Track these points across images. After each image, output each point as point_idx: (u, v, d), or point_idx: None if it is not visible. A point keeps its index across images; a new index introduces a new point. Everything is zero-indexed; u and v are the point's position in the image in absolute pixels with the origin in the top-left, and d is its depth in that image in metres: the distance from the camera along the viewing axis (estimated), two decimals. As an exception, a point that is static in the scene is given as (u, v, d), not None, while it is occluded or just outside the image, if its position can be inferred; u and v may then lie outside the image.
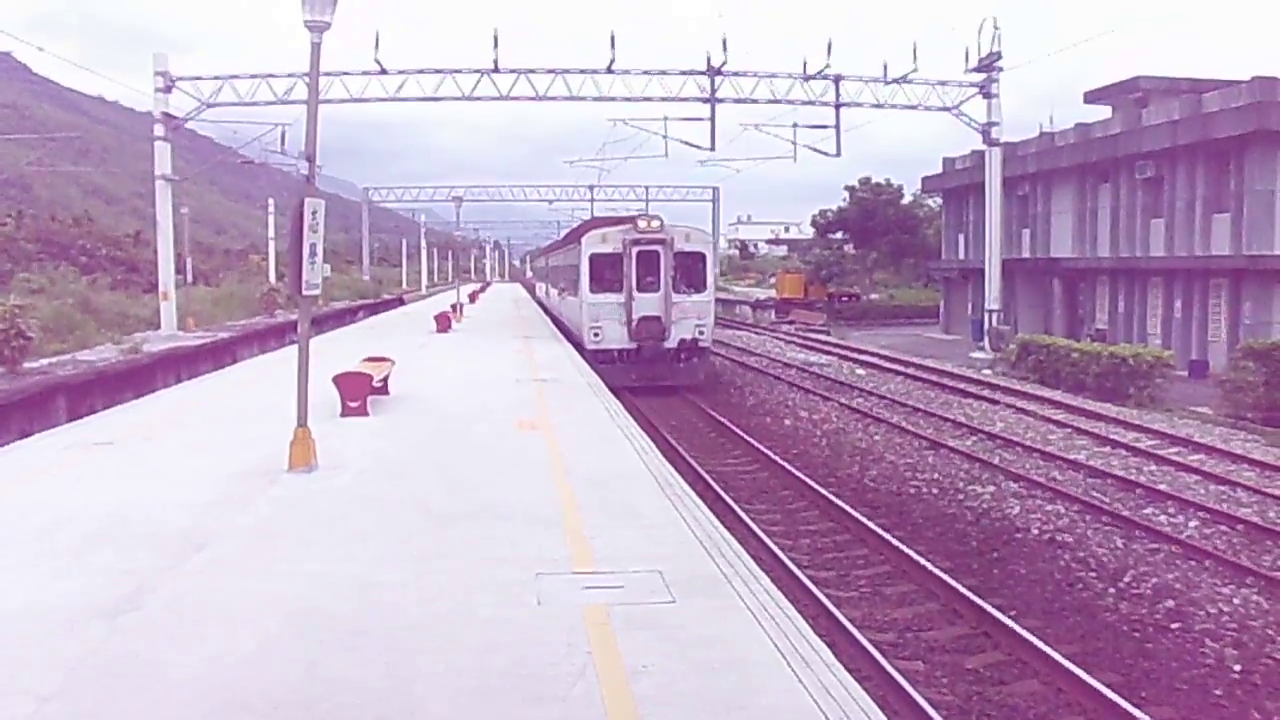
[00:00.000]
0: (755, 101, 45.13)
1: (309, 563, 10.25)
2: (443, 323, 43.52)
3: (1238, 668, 12.07)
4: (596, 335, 33.22)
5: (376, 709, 7.01)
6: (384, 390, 21.74)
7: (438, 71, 44.64)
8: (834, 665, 7.72)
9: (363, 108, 46.22)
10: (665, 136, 48.78)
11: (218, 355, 39.44)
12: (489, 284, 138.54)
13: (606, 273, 33.68)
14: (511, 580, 9.62)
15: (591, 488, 13.53)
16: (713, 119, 44.75)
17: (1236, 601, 13.94)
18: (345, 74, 43.79)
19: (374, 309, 74.04)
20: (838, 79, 44.45)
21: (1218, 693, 11.52)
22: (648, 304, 33.25)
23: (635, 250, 33.22)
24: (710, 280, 35.19)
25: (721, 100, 44.48)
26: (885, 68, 44.65)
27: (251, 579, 9.74)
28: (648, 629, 8.36)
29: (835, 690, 7.28)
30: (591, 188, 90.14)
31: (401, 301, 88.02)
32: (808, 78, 44.30)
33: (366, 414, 19.22)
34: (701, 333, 33.95)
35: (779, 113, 46.47)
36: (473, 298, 75.56)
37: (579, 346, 35.26)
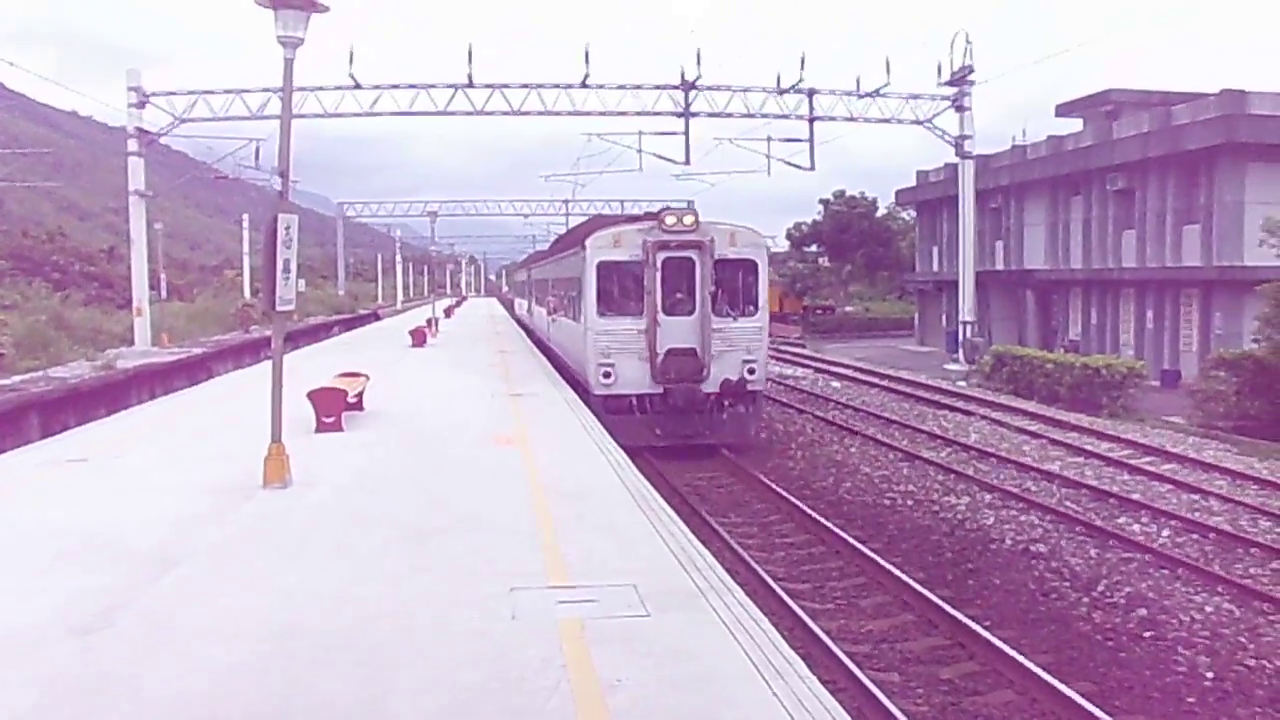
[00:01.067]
0: (729, 115, 45.22)
1: (283, 578, 10.21)
2: (418, 338, 43.38)
3: (1210, 675, 12.16)
4: (607, 376, 24.74)
5: (351, 724, 6.99)
6: (359, 406, 21.69)
7: (412, 86, 44.60)
8: (808, 677, 7.74)
9: (338, 123, 46.20)
10: (640, 150, 48.71)
11: (192, 371, 39.22)
12: (465, 299, 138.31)
13: (620, 288, 25.64)
14: (486, 595, 9.61)
15: (567, 502, 13.52)
16: (687, 133, 44.79)
17: (1209, 609, 14.06)
18: (320, 89, 43.73)
19: (349, 324, 73.82)
20: (811, 93, 44.58)
21: (1190, 700, 11.61)
22: (679, 332, 24.87)
23: (661, 257, 24.74)
24: (764, 298, 26.01)
25: (696, 114, 44.52)
26: (858, 81, 44.83)
27: (226, 595, 9.69)
28: (622, 643, 8.37)
29: (809, 702, 7.30)
30: (567, 202, 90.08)
31: (377, 317, 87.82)
32: (781, 91, 44.41)
33: (341, 429, 19.17)
34: (752, 371, 25.15)
35: (753, 126, 46.56)
36: (448, 312, 75.38)
37: (580, 388, 26.77)
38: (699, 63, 43.33)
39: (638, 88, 44.78)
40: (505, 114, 44.81)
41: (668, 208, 26.77)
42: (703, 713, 7.16)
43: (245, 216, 79.28)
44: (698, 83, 43.64)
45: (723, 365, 24.85)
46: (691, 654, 8.18)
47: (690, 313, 24.92)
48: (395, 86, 44.61)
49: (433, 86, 44.44)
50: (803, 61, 43.43)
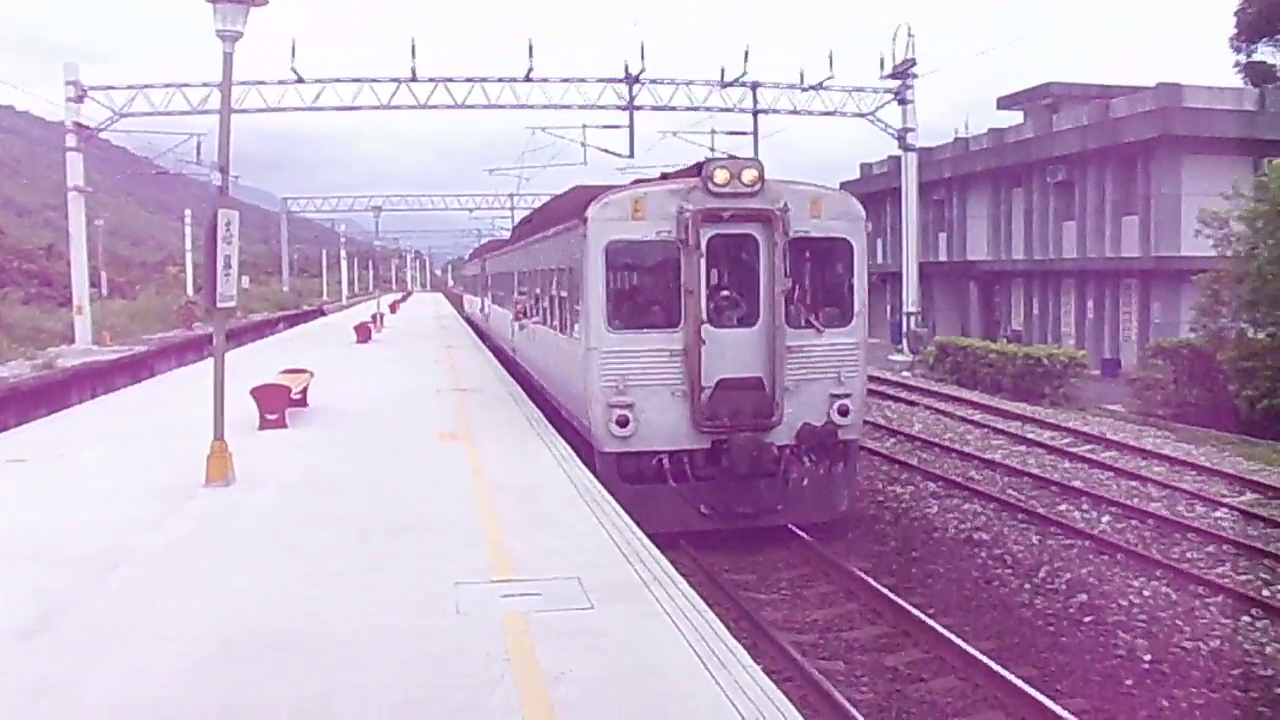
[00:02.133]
0: (673, 109, 45.38)
1: (227, 579, 10.14)
2: (363, 333, 43.11)
3: (1148, 658, 12.37)
4: (623, 424, 16.22)
5: (297, 725, 6.98)
6: (303, 402, 21.53)
7: (355, 80, 44.42)
8: (751, 667, 7.82)
9: (281, 117, 46.08)
10: (584, 144, 48.64)
11: (134, 369, 38.84)
12: (410, 294, 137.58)
13: (642, 284, 18.08)
14: (431, 591, 9.61)
15: (512, 497, 13.54)
16: (631, 126, 44.84)
17: (1147, 594, 14.29)
18: (261, 83, 43.38)
19: (294, 320, 73.32)
20: (755, 86, 44.81)
21: (1129, 683, 11.81)
22: (735, 352, 16.57)
23: (708, 234, 16.39)
24: (862, 298, 17.51)
25: (640, 108, 44.62)
26: (802, 75, 45.13)
27: (169, 597, 9.62)
28: (566, 636, 8.42)
29: (752, 691, 7.37)
30: (512, 195, 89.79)
31: (322, 312, 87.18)
32: (725, 85, 44.61)
33: (285, 426, 19.04)
34: (845, 411, 16.82)
35: (697, 120, 46.66)
36: (393, 308, 74.97)
37: (570, 433, 18.76)
38: (643, 56, 43.39)
39: (582, 81, 44.83)
40: (449, 108, 44.78)
41: (718, 157, 18.46)
42: (647, 704, 7.22)
43: (188, 212, 78.60)
44: (642, 76, 43.73)
45: (801, 402, 16.52)
46: (635, 646, 8.24)
47: (752, 322, 16.59)
48: (338, 81, 44.41)
49: (376, 81, 44.29)
50: (746, 55, 43.65)
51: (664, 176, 18.41)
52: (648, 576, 10.00)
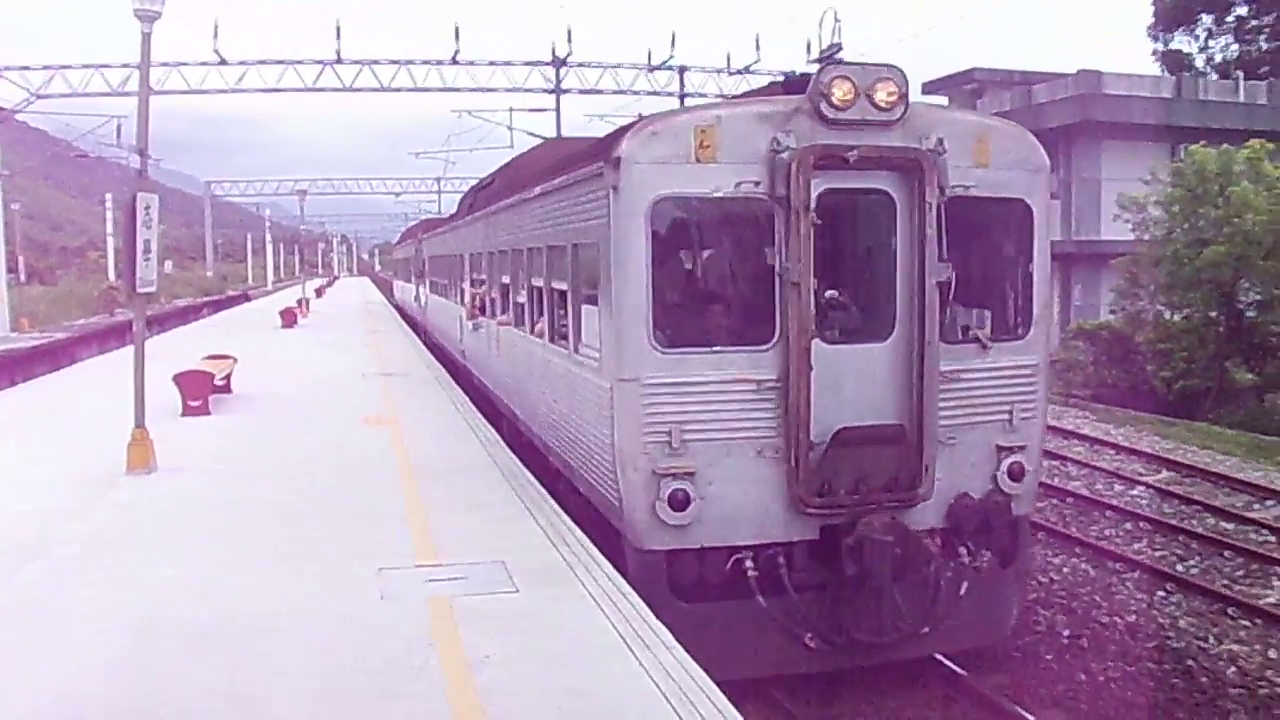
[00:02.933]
0: (600, 92, 45.50)
1: (149, 568, 10.02)
2: (288, 318, 42.62)
3: (1066, 633, 12.68)
4: (680, 502, 10.11)
5: (221, 714, 6.94)
6: (227, 389, 21.29)
7: (279, 62, 44.00)
8: (674, 646, 7.87)
9: (204, 100, 45.46)
10: (511, 128, 48.47)
11: (54, 357, 38.07)
12: (337, 279, 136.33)
13: (707, 272, 11.15)
14: (356, 577, 9.57)
15: (437, 481, 13.50)
16: (558, 110, 44.79)
17: (1066, 570, 14.62)
18: (183, 64, 42.81)
19: (219, 306, 72.24)
20: (682, 70, 44.97)
21: (1048, 658, 12.12)
22: (858, 381, 10.64)
23: (820, 188, 10.21)
24: (1042, 293, 11.37)
25: (567, 91, 44.62)
26: (729, 58, 45.37)
27: (89, 587, 9.48)
28: (491, 619, 8.43)
29: (675, 671, 7.43)
30: (438, 179, 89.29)
31: (247, 298, 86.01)
32: (653, 68, 44.72)
33: (208, 413, 18.81)
34: (1018, 474, 10.97)
35: (624, 103, 46.69)
36: (319, 293, 74.26)
37: (585, 508, 12.04)
38: (570, 39, 43.37)
39: (508, 64, 44.82)
40: (375, 91, 44.53)
41: (832, 62, 10.94)
42: (571, 686, 7.25)
43: (109, 196, 76.99)
44: (568, 59, 43.74)
45: (957, 461, 10.82)
46: (560, 629, 8.28)
47: (882, 334, 10.74)
48: (262, 62, 43.96)
49: (300, 63, 43.89)
50: (673, 38, 43.73)
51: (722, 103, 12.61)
52: (573, 559, 10.02)
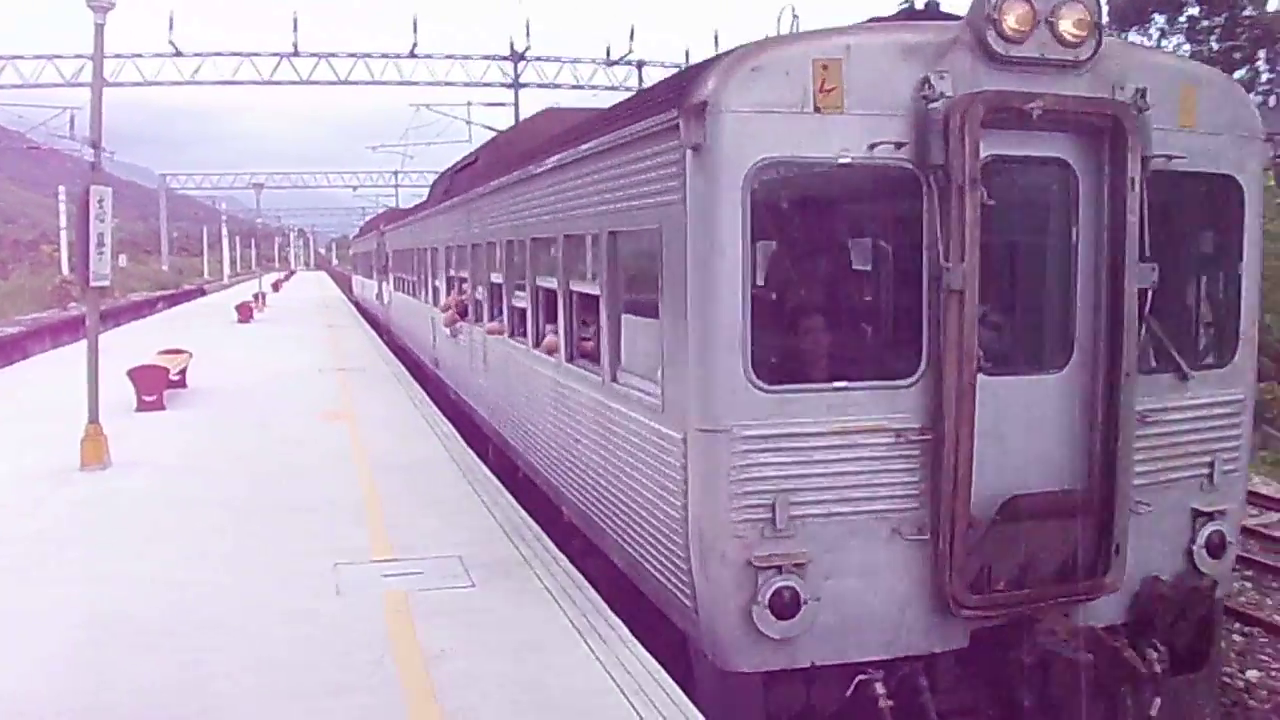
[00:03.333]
0: (559, 86, 45.55)
1: (103, 564, 9.96)
2: (244, 313, 42.41)
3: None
4: (786, 605, 7.02)
5: (173, 711, 6.91)
6: (182, 383, 21.17)
7: (235, 54, 43.75)
8: (629, 640, 7.92)
9: (160, 92, 45.08)
10: (469, 122, 48.42)
11: (6, 352, 37.65)
12: (294, 273, 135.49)
13: (825, 274, 8.13)
14: (311, 572, 9.57)
15: (394, 476, 13.49)
16: (516, 104, 44.85)
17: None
18: (138, 56, 42.58)
19: (174, 300, 71.60)
20: (640, 64, 45.09)
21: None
22: (1028, 430, 7.53)
23: (989, 153, 7.01)
24: (1251, 305, 8.26)
25: (525, 85, 44.73)
26: (687, 54, 45.32)
27: (42, 585, 9.42)
28: (447, 614, 8.46)
29: (631, 665, 7.48)
30: (396, 173, 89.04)
31: (203, 292, 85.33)
32: (611, 63, 44.83)
33: (163, 408, 18.71)
34: (1218, 548, 8.08)
35: (582, 98, 46.68)
36: (276, 287, 73.83)
37: (626, 595, 8.77)
38: (528, 34, 43.44)
39: (466, 58, 44.80)
40: (332, 84, 44.44)
41: None
42: (527, 679, 7.28)
43: (62, 189, 76.15)
44: (527, 54, 43.72)
45: (1144, 534, 7.80)
46: (516, 622, 8.31)
47: (1059, 363, 7.70)
48: (218, 54, 43.71)
49: (257, 55, 43.71)
50: (632, 33, 43.79)
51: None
52: (529, 554, 10.06)
